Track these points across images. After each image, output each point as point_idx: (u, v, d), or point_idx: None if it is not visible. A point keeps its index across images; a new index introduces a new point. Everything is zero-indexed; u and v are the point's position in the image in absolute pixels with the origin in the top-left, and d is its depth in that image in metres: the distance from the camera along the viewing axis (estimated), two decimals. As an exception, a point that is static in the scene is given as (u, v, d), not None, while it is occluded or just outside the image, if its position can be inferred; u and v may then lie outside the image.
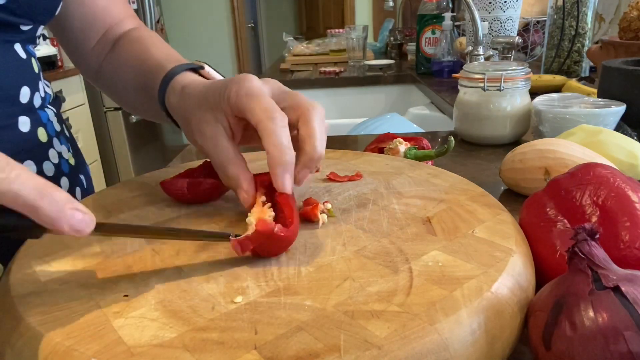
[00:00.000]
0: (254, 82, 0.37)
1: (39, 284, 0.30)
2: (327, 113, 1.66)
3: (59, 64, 2.54)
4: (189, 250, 0.34)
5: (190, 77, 0.44)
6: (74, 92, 2.55)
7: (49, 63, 2.42)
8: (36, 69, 0.52)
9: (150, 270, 0.32)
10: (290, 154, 0.35)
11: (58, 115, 0.57)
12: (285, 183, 0.35)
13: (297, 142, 0.37)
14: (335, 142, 0.85)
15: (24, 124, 0.49)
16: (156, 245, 0.35)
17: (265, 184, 0.38)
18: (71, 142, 0.59)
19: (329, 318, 0.26)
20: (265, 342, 0.24)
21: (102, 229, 0.29)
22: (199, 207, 0.42)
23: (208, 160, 0.48)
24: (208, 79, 0.45)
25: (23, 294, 0.29)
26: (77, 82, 2.59)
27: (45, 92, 0.54)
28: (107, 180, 2.83)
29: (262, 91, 0.37)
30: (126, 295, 0.29)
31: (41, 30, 0.51)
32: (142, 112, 0.57)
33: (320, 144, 0.36)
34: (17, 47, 0.48)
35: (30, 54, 0.51)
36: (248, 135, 0.40)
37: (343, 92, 1.74)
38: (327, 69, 1.83)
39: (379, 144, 0.59)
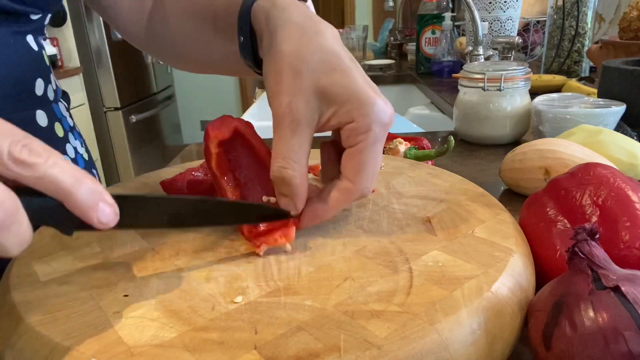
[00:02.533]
0: (388, 125, 0.31)
1: (39, 284, 0.30)
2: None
3: (59, 64, 2.54)
4: (189, 250, 0.34)
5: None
6: (74, 92, 2.55)
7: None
8: (47, 62, 0.52)
9: (150, 270, 0.32)
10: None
11: (69, 110, 0.57)
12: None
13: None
14: (335, 142, 0.85)
15: (41, 118, 0.49)
16: (156, 245, 0.35)
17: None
18: (82, 138, 0.59)
19: (329, 318, 0.26)
20: (265, 342, 0.24)
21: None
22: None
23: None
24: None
25: (23, 294, 0.29)
26: (77, 82, 2.59)
27: (56, 85, 0.54)
28: (107, 180, 2.83)
29: (380, 146, 0.32)
30: (126, 295, 0.29)
31: (48, 20, 0.51)
32: (214, 66, 0.48)
33: (371, 182, 0.32)
34: (30, 39, 0.48)
35: (40, 47, 0.50)
36: None
37: (343, 92, 1.73)
38: (327, 69, 1.83)
39: (379, 144, 0.59)
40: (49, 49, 2.42)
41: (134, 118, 2.94)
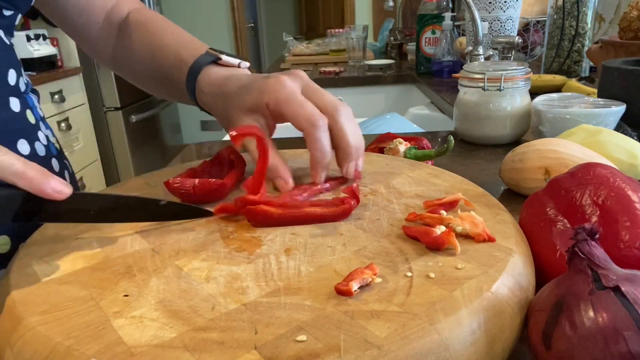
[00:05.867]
0: (290, 87, 0.41)
1: (39, 284, 0.30)
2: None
3: (59, 64, 2.54)
4: (189, 250, 0.34)
5: (215, 73, 0.48)
6: (74, 92, 2.55)
7: (49, 63, 2.41)
8: (18, 57, 0.53)
9: (150, 270, 0.32)
10: (329, 156, 0.41)
11: (39, 103, 0.59)
12: (322, 178, 0.42)
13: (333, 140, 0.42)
14: (335, 142, 0.85)
15: (14, 104, 0.50)
16: (156, 245, 0.35)
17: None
18: (52, 130, 0.60)
19: (329, 318, 0.26)
20: (265, 342, 0.24)
21: (78, 199, 0.33)
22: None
23: (208, 160, 0.48)
24: (228, 66, 0.50)
25: (23, 294, 0.29)
26: (77, 82, 2.59)
27: (27, 80, 0.56)
28: (107, 180, 2.83)
29: (299, 97, 0.41)
30: (126, 295, 0.29)
31: (20, 19, 0.52)
32: (164, 96, 0.60)
33: (352, 138, 0.42)
34: (0, 33, 0.50)
35: (11, 43, 0.52)
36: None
37: (343, 92, 1.74)
38: (327, 69, 1.83)
39: (379, 144, 0.59)
40: (49, 49, 2.42)
41: (134, 118, 2.94)
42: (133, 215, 0.37)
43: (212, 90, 0.48)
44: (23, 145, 0.50)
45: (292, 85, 0.41)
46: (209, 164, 0.48)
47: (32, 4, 0.52)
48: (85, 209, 0.35)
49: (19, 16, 0.52)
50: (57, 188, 0.31)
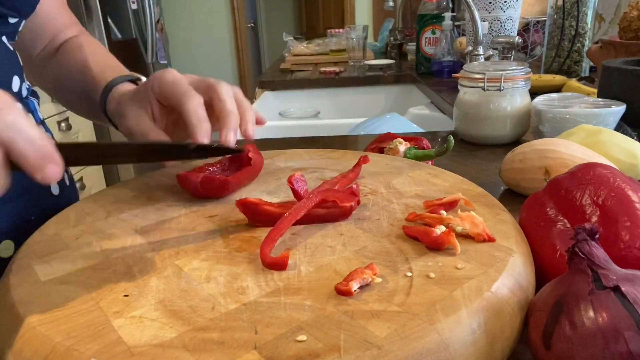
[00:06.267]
0: (174, 72, 0.46)
1: (39, 284, 0.30)
2: (327, 113, 1.67)
3: (59, 64, 2.54)
4: (189, 250, 0.34)
5: (127, 86, 0.53)
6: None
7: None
8: (21, 62, 0.54)
9: (150, 270, 0.32)
10: (207, 123, 0.44)
11: (39, 105, 0.59)
12: (205, 140, 0.43)
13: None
14: (335, 142, 0.85)
15: None
16: (156, 245, 0.35)
17: None
18: (51, 133, 0.61)
19: (329, 318, 0.26)
20: (265, 342, 0.24)
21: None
22: (200, 207, 0.42)
23: (222, 158, 0.48)
24: None
25: (23, 294, 0.29)
26: (77, 82, 2.59)
27: (28, 84, 0.56)
28: (107, 181, 2.83)
29: (181, 79, 0.46)
30: (126, 295, 0.29)
31: (22, 26, 0.53)
32: (83, 114, 0.65)
33: (229, 103, 0.45)
34: (4, 39, 0.50)
35: (14, 49, 0.53)
36: (175, 128, 0.50)
37: (343, 92, 1.74)
38: (327, 69, 1.83)
39: (379, 144, 0.59)
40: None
41: (134, 118, 2.93)
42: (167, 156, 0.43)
43: (118, 97, 0.52)
44: None
45: (177, 73, 0.46)
46: (231, 159, 0.48)
47: (36, 8, 0.53)
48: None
49: (23, 23, 0.53)
50: (50, 177, 0.29)
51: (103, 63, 0.58)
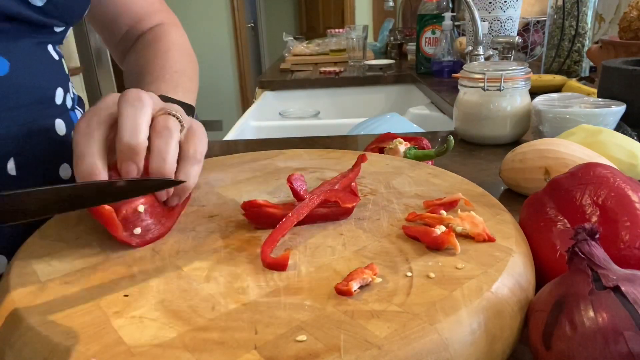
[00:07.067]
0: (137, 93, 0.38)
1: (39, 284, 0.30)
2: (327, 113, 1.67)
3: (59, 64, 2.54)
4: (189, 250, 0.34)
5: None
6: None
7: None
8: (66, 70, 0.53)
9: (150, 270, 0.32)
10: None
11: None
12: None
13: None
14: (335, 142, 0.85)
15: (60, 127, 0.49)
16: (156, 245, 0.35)
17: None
18: None
19: (329, 318, 0.26)
20: (265, 342, 0.24)
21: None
22: (200, 207, 0.42)
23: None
24: None
25: (23, 294, 0.29)
26: (77, 82, 2.59)
27: (73, 93, 0.55)
28: (107, 180, 2.82)
29: (135, 100, 0.37)
30: (126, 295, 0.29)
31: (69, 32, 0.53)
32: None
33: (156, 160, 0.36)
34: (50, 48, 0.49)
35: (60, 55, 0.51)
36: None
37: (343, 92, 1.74)
38: (327, 69, 1.83)
39: (379, 144, 0.59)
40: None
41: (134, 118, 2.93)
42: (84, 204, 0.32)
43: None
44: (66, 170, 0.48)
45: (144, 94, 0.37)
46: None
47: (84, 15, 0.52)
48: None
49: (70, 29, 0.52)
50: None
51: (158, 69, 0.53)
